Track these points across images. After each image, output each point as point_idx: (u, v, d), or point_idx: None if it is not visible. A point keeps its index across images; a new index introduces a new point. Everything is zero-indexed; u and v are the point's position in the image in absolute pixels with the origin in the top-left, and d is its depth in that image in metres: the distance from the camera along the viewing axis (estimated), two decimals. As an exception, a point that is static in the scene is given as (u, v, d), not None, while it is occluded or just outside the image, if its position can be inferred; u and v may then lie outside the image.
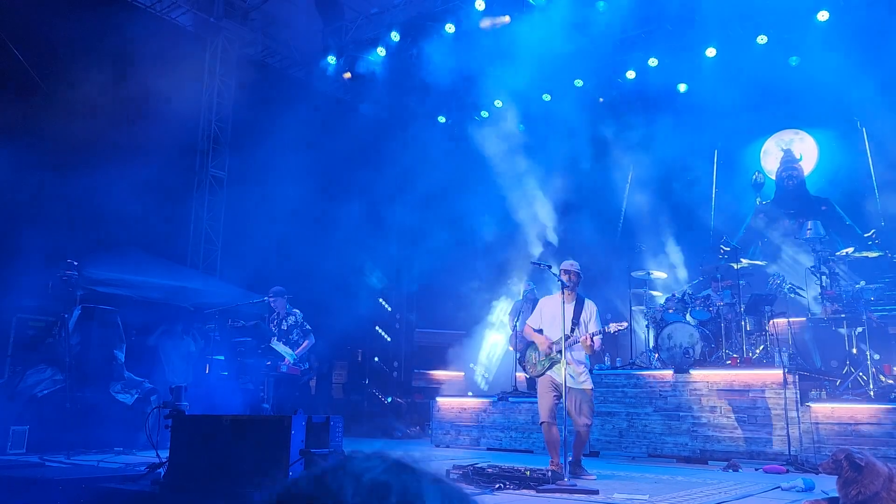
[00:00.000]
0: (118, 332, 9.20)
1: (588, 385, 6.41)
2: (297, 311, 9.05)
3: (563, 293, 6.33)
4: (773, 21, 12.05)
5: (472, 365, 14.29)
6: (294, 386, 8.74)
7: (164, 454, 5.49)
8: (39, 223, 9.67)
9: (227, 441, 4.99)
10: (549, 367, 6.38)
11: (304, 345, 8.84)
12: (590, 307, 6.48)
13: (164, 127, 12.01)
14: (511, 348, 11.17)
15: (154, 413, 7.89)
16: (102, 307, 9.18)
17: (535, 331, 6.73)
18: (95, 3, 12.03)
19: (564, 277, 6.40)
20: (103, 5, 12.14)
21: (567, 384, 6.04)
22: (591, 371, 7.12)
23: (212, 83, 13.91)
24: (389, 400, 14.58)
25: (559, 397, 6.30)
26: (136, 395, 8.86)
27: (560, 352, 6.17)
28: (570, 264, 6.57)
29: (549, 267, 6.60)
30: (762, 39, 12.20)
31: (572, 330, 6.34)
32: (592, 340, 6.26)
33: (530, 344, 6.88)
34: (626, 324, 6.54)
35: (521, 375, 10.13)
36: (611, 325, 6.37)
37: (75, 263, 8.68)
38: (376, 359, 15.61)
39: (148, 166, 11.39)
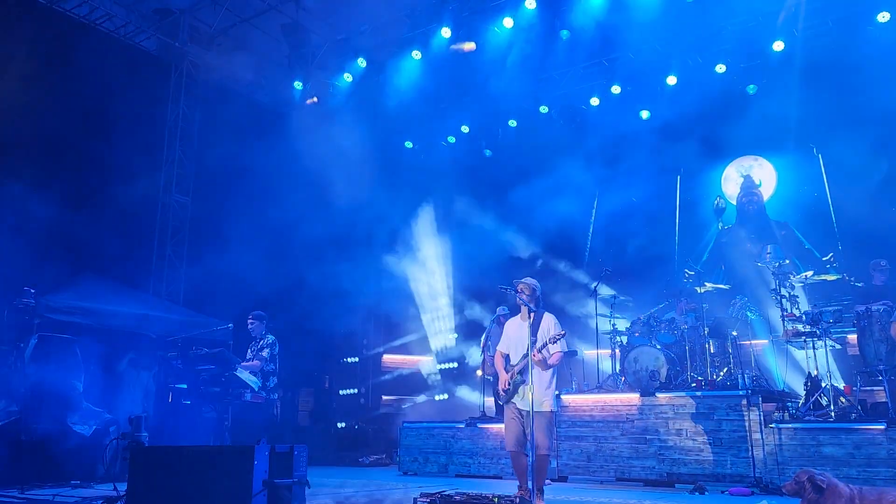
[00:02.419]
0: (77, 361, 8.95)
1: (547, 408, 6.25)
2: (271, 336, 8.80)
3: (526, 311, 6.27)
4: (730, 50, 12.41)
5: (437, 392, 14.20)
6: (259, 414, 8.54)
7: (123, 487, 5.33)
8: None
9: (187, 473, 4.87)
10: (515, 392, 6.27)
11: (251, 362, 8.46)
12: (548, 320, 6.36)
13: (127, 152, 11.86)
14: (479, 372, 11.13)
15: (112, 444, 7.67)
16: (60, 336, 8.94)
17: (503, 356, 6.59)
18: (58, 26, 11.91)
19: (519, 288, 6.35)
20: (66, 29, 12.02)
21: (528, 409, 5.95)
22: (557, 395, 7.06)
23: (176, 108, 13.80)
24: (357, 426, 14.39)
25: (524, 424, 6.18)
26: (94, 426, 8.59)
27: (521, 373, 6.13)
28: (524, 280, 6.49)
29: (506, 288, 6.48)
30: (721, 68, 12.54)
31: (532, 348, 6.21)
32: (549, 353, 6.14)
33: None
34: (563, 331, 6.36)
35: (489, 400, 10.07)
36: (549, 346, 6.21)
37: (32, 291, 8.45)
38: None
39: (110, 192, 11.22)
